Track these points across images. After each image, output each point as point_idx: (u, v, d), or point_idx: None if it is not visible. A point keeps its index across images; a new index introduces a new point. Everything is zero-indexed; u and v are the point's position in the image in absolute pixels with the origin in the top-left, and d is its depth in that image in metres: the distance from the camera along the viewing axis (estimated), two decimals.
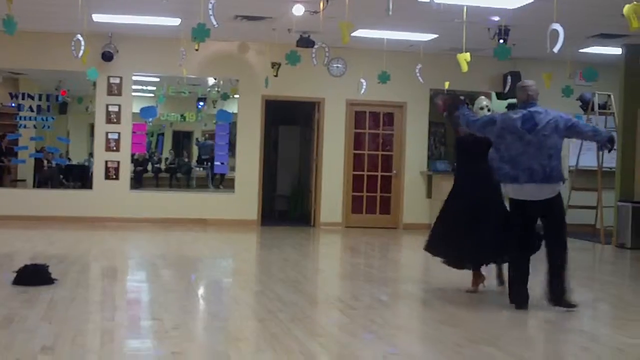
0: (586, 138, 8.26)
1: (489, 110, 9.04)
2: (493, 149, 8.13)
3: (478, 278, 9.02)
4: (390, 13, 8.90)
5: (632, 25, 7.32)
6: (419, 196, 16.45)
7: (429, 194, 16.39)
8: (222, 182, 17.41)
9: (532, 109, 7.99)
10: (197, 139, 20.29)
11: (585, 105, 15.81)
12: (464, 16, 10.42)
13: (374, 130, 16.61)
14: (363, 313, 7.70)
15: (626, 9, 7.34)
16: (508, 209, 8.31)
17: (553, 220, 8.07)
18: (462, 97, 9.09)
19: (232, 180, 16.21)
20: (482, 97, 9.35)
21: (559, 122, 7.91)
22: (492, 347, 6.56)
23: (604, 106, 15.64)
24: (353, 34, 13.63)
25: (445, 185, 15.71)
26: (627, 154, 14.19)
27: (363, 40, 14.32)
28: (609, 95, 15.59)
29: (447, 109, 8.91)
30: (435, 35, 13.99)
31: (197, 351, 6.12)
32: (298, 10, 11.40)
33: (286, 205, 18.49)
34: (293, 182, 18.46)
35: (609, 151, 8.31)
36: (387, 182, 16.62)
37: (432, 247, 9.10)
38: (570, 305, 7.92)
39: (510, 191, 8.08)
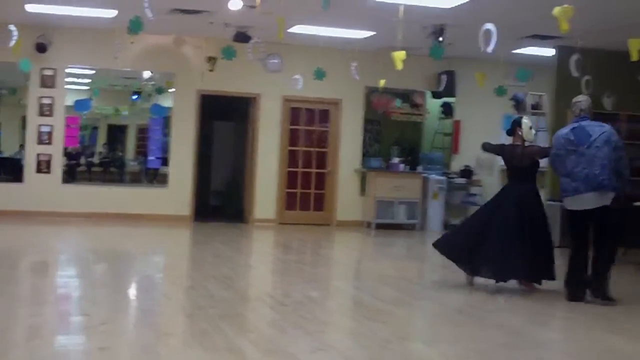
0: (618, 164, 8.41)
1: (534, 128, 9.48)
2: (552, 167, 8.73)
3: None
4: (326, 8, 8.93)
5: (562, 27, 7.46)
6: (352, 193, 16.50)
7: (362, 191, 16.46)
8: (157, 177, 17.25)
9: (583, 122, 8.41)
10: None
11: (518, 105, 16.02)
12: (400, 14, 10.47)
13: (309, 126, 16.64)
14: (293, 309, 7.71)
15: (556, 10, 7.48)
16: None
17: (605, 227, 8.46)
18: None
19: (167, 175, 16.09)
20: (523, 117, 9.59)
21: (611, 136, 8.29)
22: (420, 343, 6.65)
23: (536, 106, 15.87)
24: (290, 30, 13.65)
25: (379, 183, 15.89)
26: None
27: (300, 36, 14.35)
28: (541, 96, 15.82)
29: None
30: (372, 33, 14.05)
31: (125, 346, 6.07)
32: (235, 4, 11.35)
33: (220, 201, 18.44)
34: (227, 178, 18.42)
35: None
36: (322, 179, 16.65)
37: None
38: (609, 300, 8.42)
39: (571, 203, 8.45)
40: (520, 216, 8.96)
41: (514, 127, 9.44)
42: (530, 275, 9.12)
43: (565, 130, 8.46)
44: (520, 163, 9.32)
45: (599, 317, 7.87)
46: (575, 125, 8.41)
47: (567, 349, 6.63)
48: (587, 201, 8.30)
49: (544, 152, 9.32)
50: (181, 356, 5.85)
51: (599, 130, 8.30)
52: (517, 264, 8.89)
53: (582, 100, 8.61)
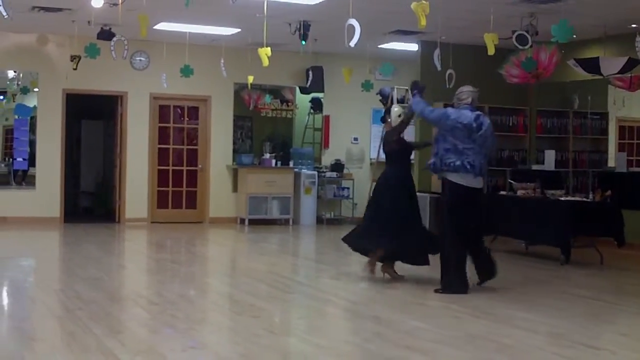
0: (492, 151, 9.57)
1: (406, 116, 9.50)
2: (439, 139, 8.68)
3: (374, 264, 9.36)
4: (188, 6, 8.90)
5: (421, 22, 7.64)
6: (224, 190, 16.48)
7: (234, 188, 16.45)
8: (25, 178, 16.86)
9: (478, 112, 8.68)
10: None
11: (385, 99, 16.25)
12: (265, 11, 10.51)
13: (178, 124, 16.54)
14: (165, 308, 7.65)
15: (413, 5, 7.64)
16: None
17: (480, 211, 8.95)
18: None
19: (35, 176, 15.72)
20: (396, 105, 9.64)
21: (491, 128, 8.69)
22: (291, 337, 6.71)
23: (402, 100, 16.14)
24: (155, 27, 13.53)
25: (250, 179, 15.92)
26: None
27: (166, 33, 14.22)
28: (407, 90, 16.10)
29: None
30: (238, 30, 14.06)
31: None
32: (97, 2, 11.19)
33: (91, 202, 18.15)
34: (97, 178, 18.13)
35: None
36: (193, 177, 16.57)
37: (365, 240, 9.34)
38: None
39: (457, 178, 8.56)
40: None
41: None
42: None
43: (469, 114, 8.54)
44: None
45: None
46: (477, 113, 8.64)
47: (434, 336, 6.79)
48: (472, 181, 8.57)
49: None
50: None
51: (486, 121, 8.66)
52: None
53: (475, 90, 8.84)
